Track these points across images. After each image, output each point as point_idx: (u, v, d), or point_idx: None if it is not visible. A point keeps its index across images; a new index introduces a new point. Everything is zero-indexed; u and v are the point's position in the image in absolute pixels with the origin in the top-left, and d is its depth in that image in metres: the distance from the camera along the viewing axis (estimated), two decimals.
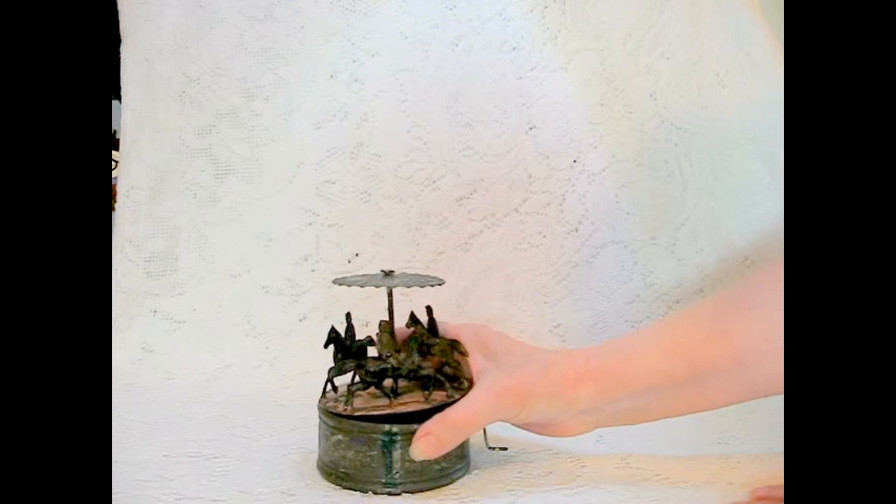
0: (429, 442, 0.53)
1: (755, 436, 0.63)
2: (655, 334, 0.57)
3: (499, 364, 0.56)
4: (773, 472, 0.57)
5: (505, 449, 0.60)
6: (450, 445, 0.54)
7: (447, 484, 0.56)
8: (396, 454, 0.54)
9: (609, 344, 0.58)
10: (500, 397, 0.54)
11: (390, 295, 0.58)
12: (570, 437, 0.58)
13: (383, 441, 0.54)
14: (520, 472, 0.58)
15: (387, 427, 0.54)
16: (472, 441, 0.59)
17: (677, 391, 0.54)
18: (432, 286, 0.58)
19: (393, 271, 0.59)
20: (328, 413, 0.56)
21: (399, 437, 0.54)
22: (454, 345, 0.58)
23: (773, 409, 0.61)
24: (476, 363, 0.57)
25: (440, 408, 0.55)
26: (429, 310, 0.60)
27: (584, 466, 0.59)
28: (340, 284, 0.58)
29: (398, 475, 0.54)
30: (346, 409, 0.55)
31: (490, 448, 0.59)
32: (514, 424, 0.57)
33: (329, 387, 0.59)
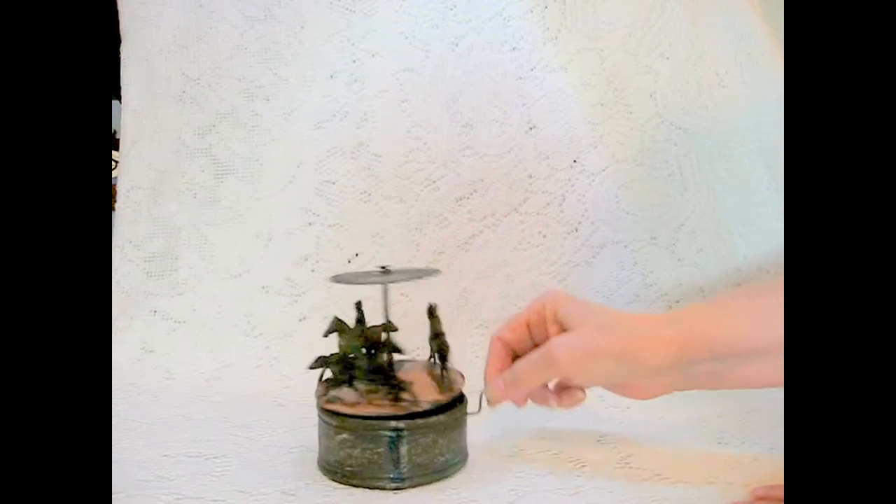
0: (497, 386, 0.57)
1: (755, 436, 0.63)
2: (747, 299, 0.54)
3: (567, 323, 0.55)
4: (773, 472, 0.57)
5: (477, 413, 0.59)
6: (511, 394, 0.57)
7: (450, 475, 0.56)
8: (403, 449, 0.54)
9: (690, 308, 0.56)
10: (556, 354, 0.54)
11: (385, 290, 0.59)
12: (645, 399, 0.57)
13: (390, 437, 0.54)
14: (520, 472, 0.58)
15: (393, 423, 0.54)
16: (470, 439, 0.59)
17: (763, 360, 0.51)
18: (426, 278, 0.59)
19: (388, 267, 0.59)
20: (331, 412, 0.56)
21: (406, 433, 0.54)
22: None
23: (773, 409, 0.61)
24: (551, 329, 0.56)
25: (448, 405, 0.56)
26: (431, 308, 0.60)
27: (584, 466, 0.59)
28: (338, 282, 0.58)
29: (405, 470, 0.54)
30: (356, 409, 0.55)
31: (469, 414, 0.59)
32: (588, 385, 0.57)
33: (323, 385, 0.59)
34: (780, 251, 0.82)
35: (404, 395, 0.56)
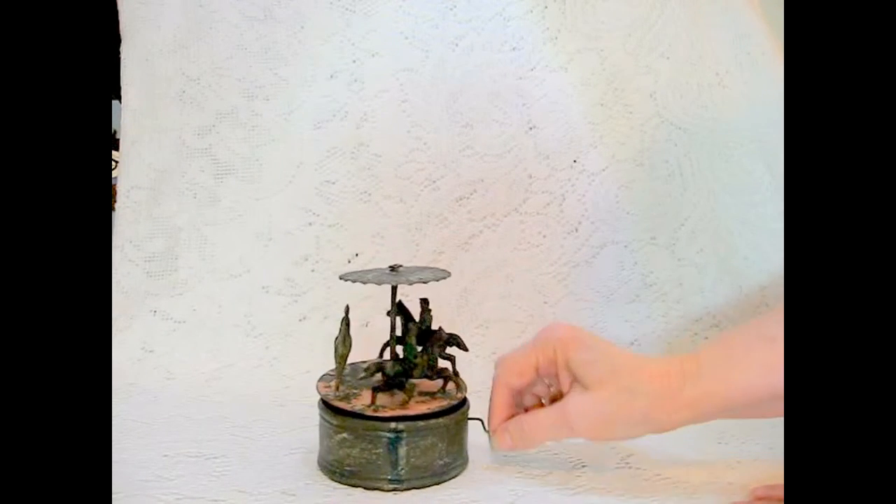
0: (503, 440, 0.57)
1: (755, 436, 0.63)
2: (755, 346, 0.54)
3: (582, 377, 0.55)
4: (773, 472, 0.57)
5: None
6: (520, 448, 0.57)
7: (451, 478, 0.56)
8: (402, 450, 0.54)
9: (703, 360, 0.54)
10: (577, 421, 0.55)
11: (394, 291, 0.58)
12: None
13: (389, 438, 0.54)
14: (520, 472, 0.58)
15: (392, 424, 0.54)
16: (470, 438, 0.59)
17: (778, 403, 0.50)
18: (437, 280, 0.58)
19: (400, 266, 0.59)
20: (332, 411, 0.56)
21: (405, 434, 0.54)
22: (453, 338, 0.59)
23: None
24: (563, 377, 0.56)
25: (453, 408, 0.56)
26: (424, 302, 0.60)
27: (584, 466, 0.59)
28: (346, 280, 0.58)
29: (404, 471, 0.54)
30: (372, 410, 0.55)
31: (486, 432, 0.59)
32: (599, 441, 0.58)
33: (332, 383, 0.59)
34: (780, 252, 0.81)
35: (403, 396, 0.56)
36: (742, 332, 0.56)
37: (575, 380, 0.55)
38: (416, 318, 0.59)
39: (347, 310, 0.58)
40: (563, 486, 0.56)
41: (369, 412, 0.55)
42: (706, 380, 0.53)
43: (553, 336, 0.57)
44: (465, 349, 0.60)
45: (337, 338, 0.58)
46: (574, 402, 0.55)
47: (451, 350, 0.60)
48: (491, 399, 0.59)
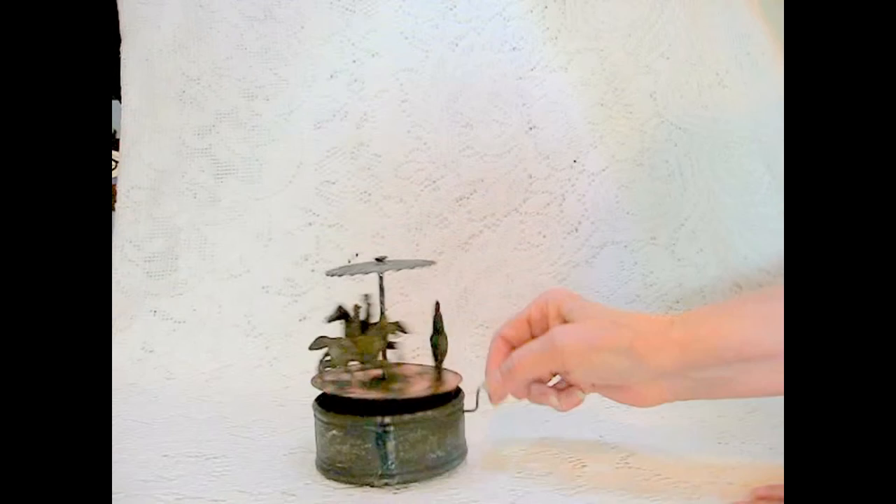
0: (493, 378, 0.56)
1: (755, 436, 0.63)
2: (753, 304, 0.53)
3: (571, 318, 0.55)
4: (773, 472, 0.57)
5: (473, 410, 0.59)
6: (509, 385, 0.56)
7: (445, 472, 0.56)
8: (391, 445, 0.54)
9: (697, 311, 0.55)
10: (558, 341, 0.53)
11: (381, 279, 0.59)
12: (643, 406, 0.55)
13: (377, 433, 0.54)
14: (520, 472, 0.58)
15: (379, 419, 0.54)
16: (470, 438, 0.59)
17: (769, 366, 0.50)
18: (416, 268, 0.59)
19: (385, 257, 0.59)
20: (322, 410, 0.56)
21: (392, 428, 0.54)
22: (396, 324, 0.59)
23: (773, 410, 0.61)
24: (554, 325, 0.56)
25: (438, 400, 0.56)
26: (367, 298, 0.60)
27: (584, 466, 0.59)
28: (333, 276, 0.58)
29: (394, 466, 0.54)
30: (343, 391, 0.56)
31: (466, 411, 0.58)
32: (585, 382, 0.56)
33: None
34: (780, 252, 0.81)
35: (393, 386, 0.56)
36: (736, 298, 0.55)
37: (565, 322, 0.55)
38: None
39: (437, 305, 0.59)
40: (563, 486, 0.56)
41: (357, 393, 0.55)
42: (696, 324, 0.52)
43: (546, 294, 0.58)
44: (405, 332, 0.60)
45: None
46: (561, 329, 0.54)
47: (393, 337, 0.60)
48: (488, 353, 0.59)
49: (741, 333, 0.51)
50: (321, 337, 0.58)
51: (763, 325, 0.50)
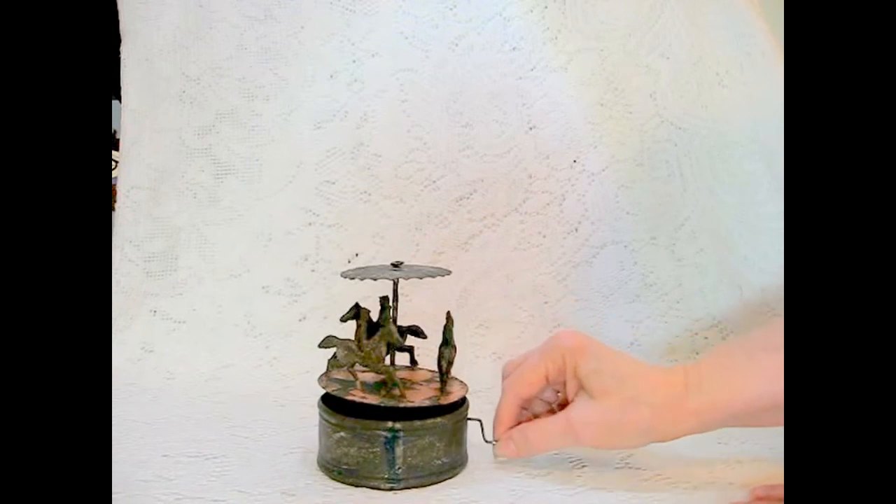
0: (508, 448, 0.58)
1: (755, 436, 0.63)
2: (759, 356, 0.54)
3: (588, 386, 0.56)
4: (773, 472, 0.57)
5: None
6: (525, 455, 0.58)
7: (448, 478, 0.56)
8: (399, 450, 0.54)
9: (706, 369, 0.55)
10: (582, 430, 0.55)
11: (395, 286, 0.58)
12: None
13: (386, 437, 0.54)
14: (520, 472, 0.58)
15: (389, 423, 0.54)
16: (470, 437, 0.59)
17: (779, 411, 0.50)
18: (435, 276, 0.58)
19: (402, 262, 0.59)
20: (330, 410, 0.56)
21: (402, 434, 0.54)
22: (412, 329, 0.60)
23: None
24: (570, 385, 0.57)
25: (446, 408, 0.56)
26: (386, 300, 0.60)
27: (584, 466, 0.59)
28: (348, 278, 0.58)
29: (401, 470, 0.54)
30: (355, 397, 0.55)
31: (487, 441, 0.59)
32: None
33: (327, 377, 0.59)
34: (780, 252, 0.81)
35: (397, 392, 0.56)
36: (744, 342, 0.57)
37: (581, 388, 0.56)
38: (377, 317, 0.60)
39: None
40: (563, 486, 0.56)
41: (361, 397, 0.55)
42: (709, 390, 0.54)
43: (561, 344, 0.58)
44: (423, 336, 0.60)
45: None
46: (579, 411, 0.56)
47: (409, 340, 0.60)
48: (498, 408, 0.60)
49: (752, 393, 0.53)
50: (330, 336, 0.58)
51: (775, 380, 0.51)
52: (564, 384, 0.58)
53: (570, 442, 0.56)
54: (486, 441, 0.59)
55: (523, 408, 0.60)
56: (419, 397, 0.57)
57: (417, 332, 0.60)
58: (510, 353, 0.81)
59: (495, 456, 0.60)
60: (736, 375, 0.54)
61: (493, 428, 0.60)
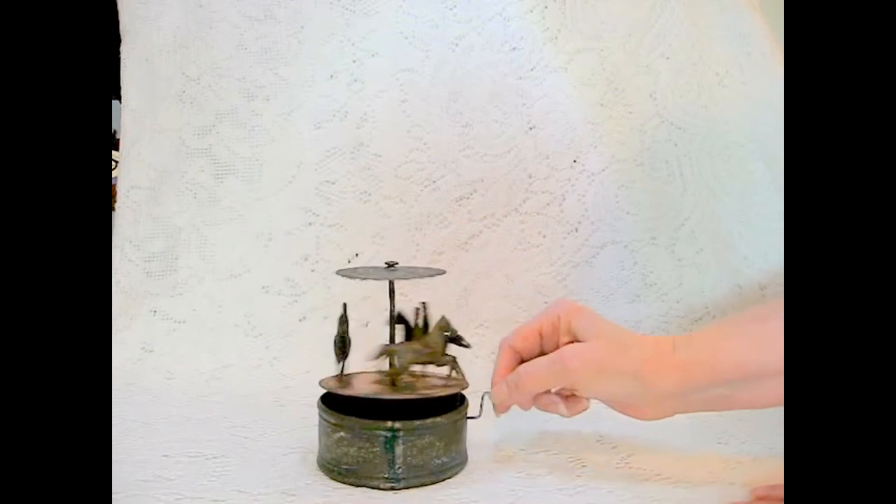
0: (500, 390, 0.58)
1: (755, 436, 0.63)
2: (751, 323, 0.55)
3: (581, 335, 0.56)
4: (773, 472, 0.57)
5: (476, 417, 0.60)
6: (515, 397, 0.57)
7: (448, 478, 0.56)
8: (399, 449, 0.54)
9: (696, 334, 0.57)
10: (568, 362, 0.55)
11: (392, 287, 0.59)
12: (645, 420, 0.57)
13: (385, 437, 0.54)
14: (520, 472, 0.58)
15: (389, 423, 0.54)
16: (470, 438, 0.59)
17: (767, 383, 0.52)
18: (429, 276, 0.59)
19: (396, 263, 0.59)
20: (330, 410, 0.56)
21: (401, 433, 0.54)
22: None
23: (773, 410, 0.61)
24: (564, 341, 0.57)
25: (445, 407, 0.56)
26: (425, 306, 0.60)
27: (584, 466, 0.59)
28: (344, 276, 0.58)
29: (401, 470, 0.55)
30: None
31: (470, 418, 0.59)
32: (591, 398, 0.58)
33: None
34: (780, 252, 0.81)
35: (402, 381, 0.57)
36: (736, 316, 0.58)
37: (574, 340, 0.57)
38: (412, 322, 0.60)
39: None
40: (563, 486, 0.56)
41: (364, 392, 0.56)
42: (696, 348, 0.54)
43: (558, 306, 0.59)
44: (467, 346, 0.60)
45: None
46: (571, 347, 0.56)
47: (451, 349, 0.60)
48: (496, 363, 0.60)
49: (738, 354, 0.53)
50: (386, 345, 0.59)
51: (761, 346, 0.52)
52: (558, 344, 0.58)
53: (560, 377, 0.56)
54: (475, 417, 0.59)
55: (518, 361, 0.59)
56: (421, 390, 0.57)
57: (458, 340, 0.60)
58: None
59: (493, 409, 0.58)
60: (723, 338, 0.54)
61: (491, 380, 0.59)
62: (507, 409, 0.58)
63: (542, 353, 0.59)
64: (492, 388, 0.59)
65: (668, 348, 0.54)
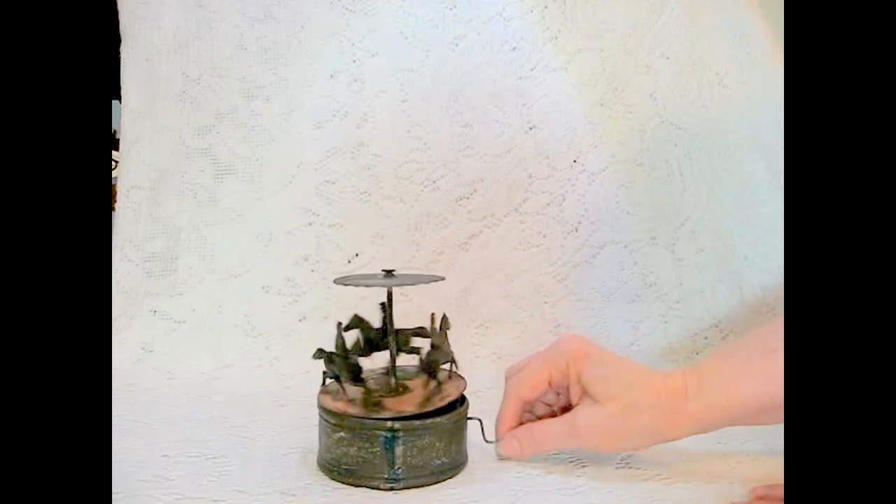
0: (512, 446, 0.59)
1: (755, 436, 0.63)
2: (755, 359, 0.55)
3: (592, 392, 0.57)
4: (773, 472, 0.57)
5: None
6: (528, 454, 0.59)
7: (448, 478, 0.56)
8: (399, 450, 0.54)
9: (707, 371, 0.56)
10: (585, 433, 0.56)
11: (390, 294, 0.59)
12: None
13: (386, 437, 0.54)
14: (520, 472, 0.58)
15: (389, 424, 0.54)
16: (469, 437, 0.59)
17: (775, 412, 0.53)
18: (428, 283, 0.59)
19: (393, 271, 0.59)
20: (329, 411, 0.56)
21: (401, 433, 0.54)
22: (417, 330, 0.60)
23: None
24: (574, 390, 0.58)
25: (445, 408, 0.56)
26: (433, 316, 0.60)
27: (584, 466, 0.59)
28: (341, 284, 0.58)
29: (400, 470, 0.55)
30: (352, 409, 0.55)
31: (487, 441, 0.60)
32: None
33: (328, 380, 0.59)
34: (780, 250, 0.82)
35: (388, 403, 0.56)
36: (742, 344, 0.57)
37: (585, 393, 0.57)
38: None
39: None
40: (563, 486, 0.56)
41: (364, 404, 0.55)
42: (708, 393, 0.55)
43: (565, 350, 0.59)
44: (429, 336, 0.60)
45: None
46: (584, 414, 0.57)
47: (416, 342, 0.60)
48: (501, 409, 0.60)
49: (750, 395, 0.54)
50: (433, 349, 0.59)
51: (770, 382, 0.53)
52: (567, 388, 0.59)
53: (574, 444, 0.57)
54: (487, 441, 0.60)
55: (525, 410, 0.61)
56: (413, 401, 0.56)
57: (423, 333, 0.60)
58: (510, 353, 0.81)
59: (498, 455, 0.60)
60: (733, 379, 0.55)
61: (496, 428, 0.60)
62: (512, 457, 0.60)
63: (549, 403, 0.61)
64: (498, 437, 0.60)
65: (680, 397, 0.55)
